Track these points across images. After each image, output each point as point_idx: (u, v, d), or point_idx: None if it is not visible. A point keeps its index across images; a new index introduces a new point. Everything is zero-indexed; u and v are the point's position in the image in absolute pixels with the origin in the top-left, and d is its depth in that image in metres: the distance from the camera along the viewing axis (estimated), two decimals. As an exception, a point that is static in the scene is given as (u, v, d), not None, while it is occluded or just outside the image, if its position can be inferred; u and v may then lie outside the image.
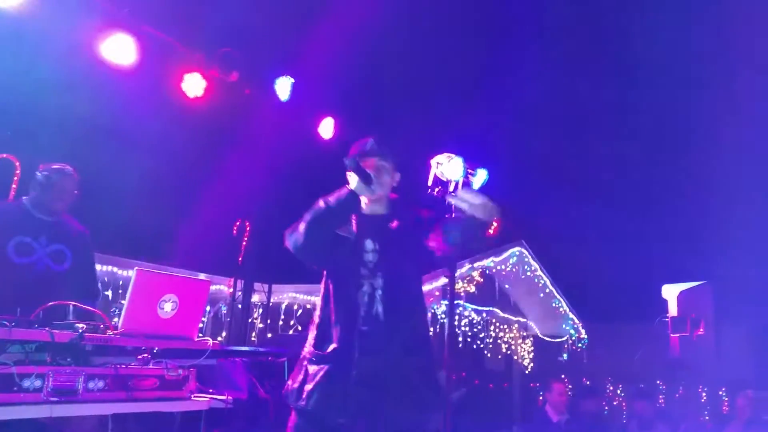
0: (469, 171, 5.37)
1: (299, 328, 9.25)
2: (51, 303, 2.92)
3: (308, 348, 2.88)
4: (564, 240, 12.92)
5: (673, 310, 4.31)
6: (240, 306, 7.97)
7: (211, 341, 3.31)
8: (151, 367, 3.03)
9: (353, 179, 2.80)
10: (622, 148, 12.84)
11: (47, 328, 2.68)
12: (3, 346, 2.58)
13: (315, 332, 2.88)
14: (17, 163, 5.21)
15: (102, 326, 2.92)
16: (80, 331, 2.74)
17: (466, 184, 5.27)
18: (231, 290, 8.20)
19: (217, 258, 6.84)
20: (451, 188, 5.07)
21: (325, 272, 2.96)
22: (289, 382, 2.89)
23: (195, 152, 6.76)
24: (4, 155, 5.11)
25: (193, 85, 6.14)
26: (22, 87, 4.99)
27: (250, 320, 8.93)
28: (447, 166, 5.05)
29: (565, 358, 15.32)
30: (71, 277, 3.63)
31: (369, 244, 2.89)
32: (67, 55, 5.13)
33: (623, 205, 13.94)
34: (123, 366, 2.91)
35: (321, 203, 2.79)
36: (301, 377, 2.82)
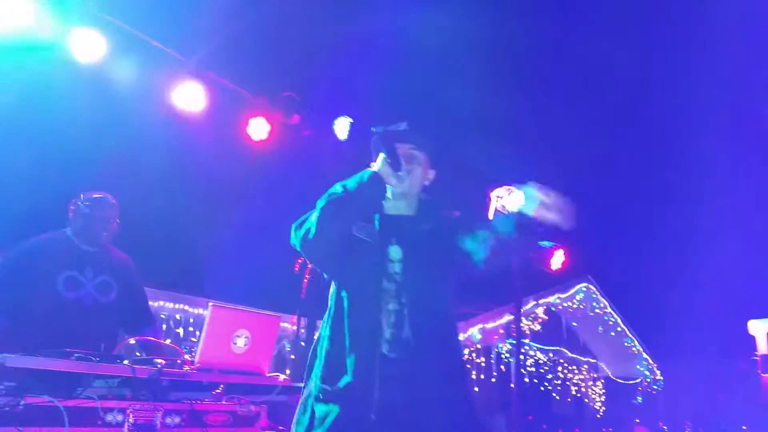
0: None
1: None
2: (132, 339, 2.97)
3: (315, 382, 2.27)
4: (635, 275, 12.42)
5: (762, 347, 4.02)
6: (303, 343, 7.98)
7: (282, 377, 3.32)
8: (224, 402, 3.05)
9: (379, 159, 2.32)
10: (697, 176, 12.37)
11: (128, 363, 2.73)
12: (88, 381, 2.64)
13: (323, 362, 2.27)
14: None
15: (179, 361, 2.96)
16: (159, 366, 2.78)
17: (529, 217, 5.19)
18: (294, 327, 8.23)
19: (280, 295, 6.91)
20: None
21: (334, 285, 2.37)
22: (293, 428, 2.31)
23: (259, 192, 6.92)
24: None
25: (258, 128, 6.36)
26: (100, 134, 5.24)
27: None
28: (507, 199, 4.98)
29: (639, 401, 14.63)
30: (119, 307, 3.57)
31: (394, 251, 2.31)
32: (142, 102, 5.38)
33: (700, 236, 13.33)
34: (198, 402, 2.94)
35: (338, 186, 2.28)
36: (306, 422, 2.23)
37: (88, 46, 4.82)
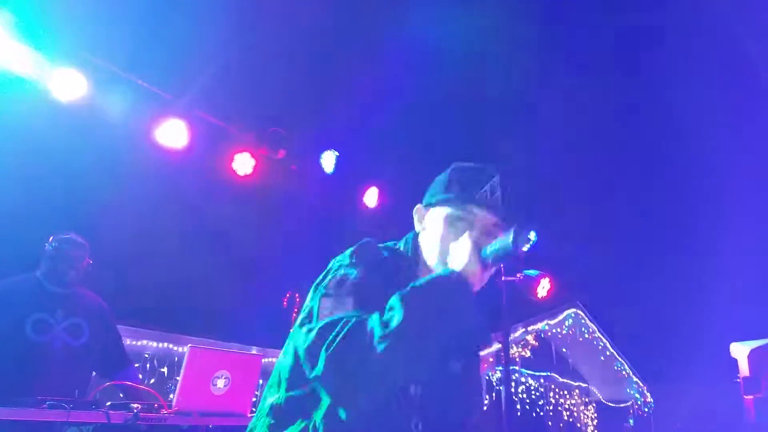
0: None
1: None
2: (110, 383, 2.94)
3: None
4: (622, 299, 12.46)
5: (744, 369, 4.04)
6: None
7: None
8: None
9: (468, 245, 1.56)
10: (680, 202, 12.50)
11: (103, 410, 2.70)
12: (60, 429, 2.61)
13: None
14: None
15: (156, 405, 2.94)
16: (135, 411, 2.76)
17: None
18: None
19: (268, 331, 6.86)
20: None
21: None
22: None
23: (245, 227, 6.92)
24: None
25: (243, 164, 6.39)
26: (82, 172, 5.25)
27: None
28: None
29: (631, 424, 14.60)
30: (91, 350, 3.49)
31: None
32: (123, 140, 5.40)
33: (683, 260, 13.43)
34: (178, 446, 2.91)
35: (419, 298, 1.43)
36: None
37: (70, 85, 4.86)
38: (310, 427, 1.53)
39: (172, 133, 5.63)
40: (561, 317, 11.85)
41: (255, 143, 6.47)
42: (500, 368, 9.91)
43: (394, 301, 1.42)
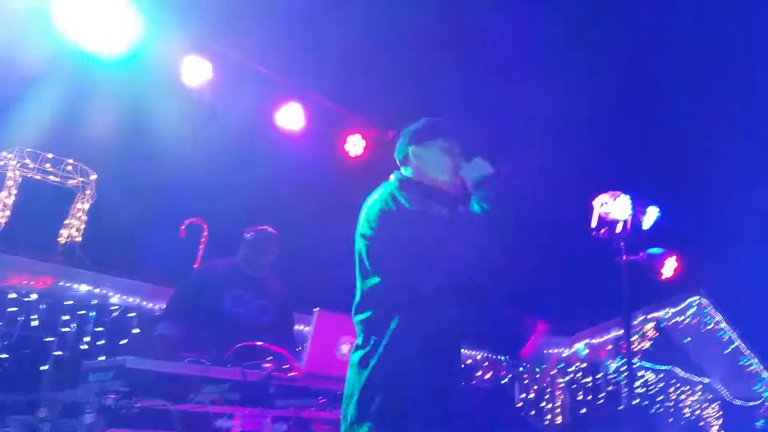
0: (638, 209, 5.01)
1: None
2: (241, 344, 3.08)
3: None
4: (752, 288, 11.47)
5: None
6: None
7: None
8: (331, 411, 3.08)
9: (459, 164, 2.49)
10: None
11: (240, 367, 2.83)
12: (199, 385, 2.74)
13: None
14: (204, 226, 5.73)
15: (287, 367, 3.03)
16: (268, 371, 2.87)
17: (636, 224, 4.92)
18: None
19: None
20: (618, 229, 4.75)
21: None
22: None
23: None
24: (195, 219, 5.64)
25: (355, 145, 6.57)
26: (207, 156, 5.53)
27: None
28: (612, 205, 4.75)
29: (761, 424, 13.59)
30: (273, 330, 3.88)
31: None
32: (246, 124, 5.64)
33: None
34: (304, 409, 2.98)
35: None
36: None
37: (197, 72, 5.15)
38: None
39: (291, 117, 5.86)
40: (683, 305, 11.16)
41: (365, 125, 6.64)
42: (620, 360, 9.52)
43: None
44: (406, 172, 2.50)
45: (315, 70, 6.48)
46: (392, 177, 2.49)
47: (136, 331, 5.24)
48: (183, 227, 5.54)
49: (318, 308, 3.08)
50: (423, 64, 7.73)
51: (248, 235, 4.10)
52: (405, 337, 2.11)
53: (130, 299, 5.33)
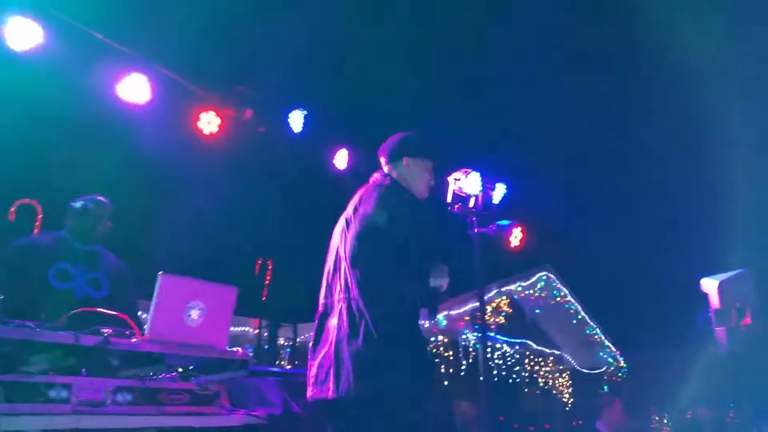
0: (488, 186, 5.29)
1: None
2: (77, 310, 2.84)
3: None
4: (594, 261, 12.49)
5: (714, 302, 4.10)
6: (267, 347, 7.84)
7: (240, 350, 3.20)
8: (180, 381, 2.91)
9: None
10: (655, 159, 12.40)
11: (72, 332, 2.59)
12: (27, 354, 2.49)
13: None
14: (39, 208, 5.26)
15: (128, 332, 2.83)
16: (105, 335, 2.65)
17: (486, 199, 5.18)
18: (256, 332, 8.07)
19: (239, 298, 6.77)
20: (470, 204, 4.98)
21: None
22: None
23: (212, 189, 6.79)
24: (27, 200, 5.17)
25: (208, 122, 6.27)
26: (40, 128, 5.08)
27: (276, 362, 8.77)
28: (465, 182, 4.98)
29: (605, 390, 14.79)
30: (109, 305, 3.44)
31: None
32: (85, 95, 5.24)
33: (659, 221, 13.41)
34: (151, 378, 2.80)
35: None
36: None
37: (24, 34, 4.67)
38: None
39: (135, 89, 5.48)
40: (533, 279, 11.93)
41: (220, 102, 6.38)
42: (476, 331, 9.96)
43: None
44: (392, 173, 3.07)
45: (164, 43, 6.15)
46: (386, 179, 3.06)
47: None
48: (13, 209, 5.09)
49: (161, 272, 2.89)
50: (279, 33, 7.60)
51: (77, 205, 3.73)
52: (395, 307, 2.79)
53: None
